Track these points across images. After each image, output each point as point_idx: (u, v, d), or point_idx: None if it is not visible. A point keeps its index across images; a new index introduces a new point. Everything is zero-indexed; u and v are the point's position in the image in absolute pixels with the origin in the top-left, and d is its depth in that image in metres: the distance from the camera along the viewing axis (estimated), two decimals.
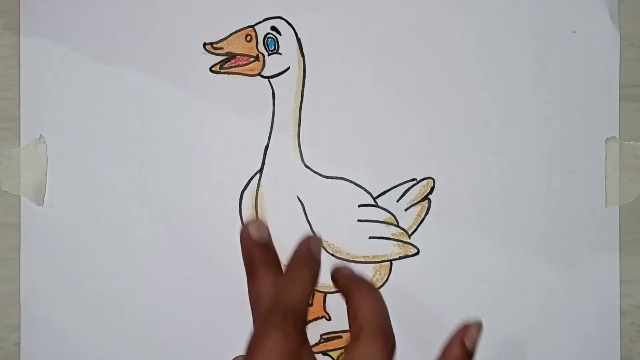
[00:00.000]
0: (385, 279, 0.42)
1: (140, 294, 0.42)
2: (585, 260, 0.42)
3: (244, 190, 0.42)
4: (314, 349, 0.42)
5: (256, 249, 0.40)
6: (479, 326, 0.36)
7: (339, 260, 0.42)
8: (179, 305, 0.42)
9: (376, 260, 0.42)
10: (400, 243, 0.42)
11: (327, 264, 0.42)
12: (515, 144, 0.43)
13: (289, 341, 0.33)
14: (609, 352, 0.42)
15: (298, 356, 0.34)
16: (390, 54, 0.42)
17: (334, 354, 0.42)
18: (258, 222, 0.41)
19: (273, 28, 0.42)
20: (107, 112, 0.42)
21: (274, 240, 0.42)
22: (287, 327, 0.33)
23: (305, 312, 0.36)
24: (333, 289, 0.42)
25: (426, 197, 0.42)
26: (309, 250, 0.40)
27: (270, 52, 0.42)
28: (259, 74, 0.42)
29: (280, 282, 0.38)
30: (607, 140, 0.43)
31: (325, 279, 0.42)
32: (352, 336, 0.35)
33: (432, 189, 0.42)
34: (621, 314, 0.42)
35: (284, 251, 0.42)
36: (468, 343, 0.35)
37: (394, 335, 0.34)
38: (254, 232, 0.40)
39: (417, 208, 0.42)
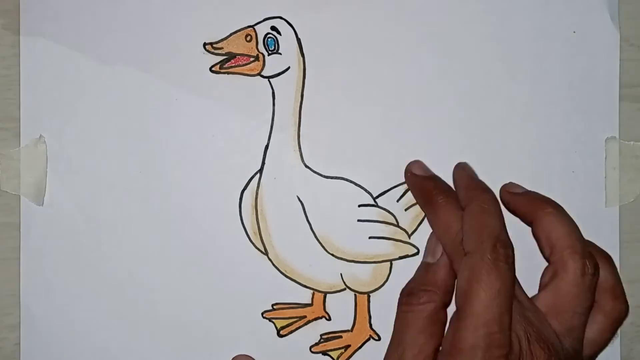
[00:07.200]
0: (385, 279, 0.42)
1: (140, 294, 0.42)
2: None
3: (244, 190, 0.42)
4: (314, 349, 0.42)
5: (427, 181, 0.40)
6: None
7: None
8: (178, 305, 0.42)
9: (376, 260, 0.42)
10: (400, 243, 0.42)
11: (326, 263, 0.42)
12: (516, 144, 0.43)
13: (506, 277, 0.34)
14: (609, 352, 0.42)
15: (514, 287, 0.35)
16: (390, 54, 0.42)
17: (334, 354, 0.42)
18: (418, 161, 0.41)
19: (273, 28, 0.42)
20: (107, 112, 0.42)
21: (271, 241, 0.42)
22: (500, 264, 0.34)
23: (509, 239, 0.35)
24: (333, 289, 0.43)
25: None
26: (471, 177, 0.40)
27: (270, 52, 0.42)
28: (259, 74, 0.42)
29: (470, 212, 0.37)
30: (607, 140, 0.43)
31: (325, 278, 0.42)
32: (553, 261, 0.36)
33: None
34: None
35: (285, 254, 0.42)
36: None
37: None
38: (417, 170, 0.41)
39: (417, 208, 0.42)
